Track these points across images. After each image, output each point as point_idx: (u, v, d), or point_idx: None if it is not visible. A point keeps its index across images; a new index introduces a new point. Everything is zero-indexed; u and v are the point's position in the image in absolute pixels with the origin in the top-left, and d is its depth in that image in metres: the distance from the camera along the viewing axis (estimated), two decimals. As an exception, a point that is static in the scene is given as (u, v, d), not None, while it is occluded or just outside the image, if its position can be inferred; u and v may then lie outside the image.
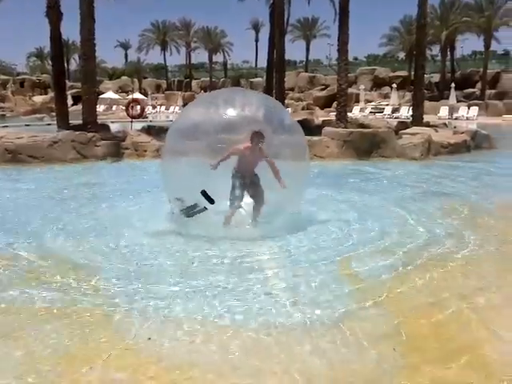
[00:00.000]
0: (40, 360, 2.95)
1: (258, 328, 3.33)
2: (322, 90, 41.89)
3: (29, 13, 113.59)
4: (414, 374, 2.82)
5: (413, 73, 24.82)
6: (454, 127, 17.38)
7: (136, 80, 56.42)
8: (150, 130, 14.65)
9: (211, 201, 5.23)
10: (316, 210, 6.66)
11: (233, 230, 5.45)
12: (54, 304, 3.72)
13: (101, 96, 40.89)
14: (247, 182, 5.56)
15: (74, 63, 62.83)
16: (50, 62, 63.74)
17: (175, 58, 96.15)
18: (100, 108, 39.80)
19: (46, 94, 44.23)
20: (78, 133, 11.94)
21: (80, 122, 15.89)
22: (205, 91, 52.41)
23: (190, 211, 5.38)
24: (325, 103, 35.92)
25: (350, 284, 4.17)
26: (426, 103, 21.88)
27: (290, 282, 4.24)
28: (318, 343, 3.15)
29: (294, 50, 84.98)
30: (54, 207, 7.08)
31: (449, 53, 42.03)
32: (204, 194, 5.20)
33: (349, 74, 18.71)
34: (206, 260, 4.79)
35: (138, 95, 38.86)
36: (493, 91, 37.00)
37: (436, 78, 40.63)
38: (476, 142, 14.85)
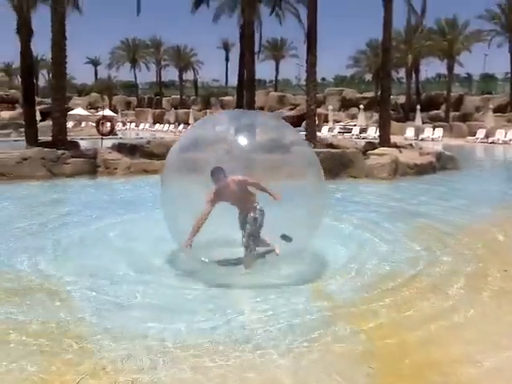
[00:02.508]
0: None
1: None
2: (292, 109, 42.55)
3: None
4: None
5: (379, 94, 25.64)
6: (420, 148, 17.94)
7: (106, 97, 55.97)
8: (120, 148, 14.58)
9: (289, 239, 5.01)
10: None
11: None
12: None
13: (70, 112, 40.33)
14: (241, 219, 5.04)
15: (42, 78, 61.97)
16: (18, 78, 62.78)
17: (145, 76, 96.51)
18: (69, 124, 39.23)
19: (13, 109, 43.27)
20: (47, 150, 11.78)
21: (49, 138, 15.69)
22: (175, 109, 52.44)
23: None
24: (294, 122, 36.26)
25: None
26: (393, 124, 22.59)
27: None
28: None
29: (263, 69, 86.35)
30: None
31: (414, 75, 43.59)
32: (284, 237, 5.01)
33: (317, 95, 19.22)
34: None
35: (108, 112, 38.48)
36: (456, 113, 38.48)
37: (402, 99, 42.00)
38: (441, 163, 15.35)
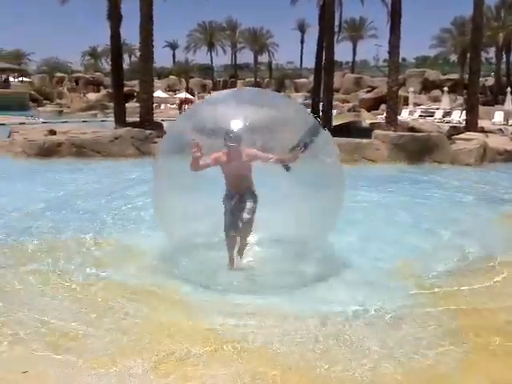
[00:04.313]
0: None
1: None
2: (369, 91, 41.30)
3: (84, 14, 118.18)
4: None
5: (466, 76, 24.20)
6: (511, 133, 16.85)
7: (183, 79, 57.58)
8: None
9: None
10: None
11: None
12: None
13: (150, 94, 41.97)
14: (235, 203, 4.32)
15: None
16: (102, 61, 65.83)
17: (221, 58, 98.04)
18: (150, 106, 40.85)
19: (98, 91, 45.87)
20: (136, 129, 12.45)
21: (135, 119, 16.55)
22: (250, 91, 52.86)
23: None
24: (371, 105, 35.40)
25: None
26: (480, 108, 21.28)
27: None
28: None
29: (339, 50, 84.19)
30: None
31: (504, 55, 40.59)
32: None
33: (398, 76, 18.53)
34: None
35: (187, 95, 39.66)
36: (551, 96, 35.32)
37: (490, 81, 39.32)
38: (535, 150, 14.34)
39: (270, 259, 4.65)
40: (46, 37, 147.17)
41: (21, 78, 47.55)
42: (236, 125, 4.15)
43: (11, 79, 44.14)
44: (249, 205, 4.29)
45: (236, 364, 2.95)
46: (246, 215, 4.26)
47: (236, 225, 4.30)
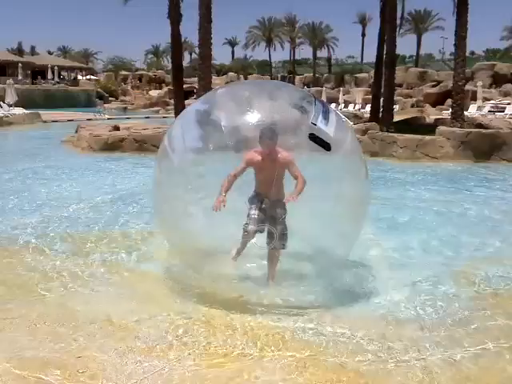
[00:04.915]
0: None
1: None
2: (434, 86, 39.61)
3: (146, 13, 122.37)
4: None
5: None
6: None
7: (242, 76, 58.10)
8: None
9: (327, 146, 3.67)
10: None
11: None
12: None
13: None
14: (266, 205, 3.85)
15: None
16: (163, 59, 67.78)
17: (279, 54, 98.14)
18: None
19: (160, 88, 47.29)
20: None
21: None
22: (307, 87, 52.37)
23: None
24: (436, 100, 33.95)
25: None
26: (557, 102, 19.82)
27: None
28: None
29: (402, 43, 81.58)
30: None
31: None
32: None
33: (465, 70, 17.57)
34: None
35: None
36: None
37: None
38: None
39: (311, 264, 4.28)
40: (111, 36, 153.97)
41: (88, 76, 50.02)
42: (271, 123, 3.74)
43: (79, 77, 46.54)
44: (282, 215, 3.81)
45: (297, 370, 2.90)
46: (280, 228, 3.81)
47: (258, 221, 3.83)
